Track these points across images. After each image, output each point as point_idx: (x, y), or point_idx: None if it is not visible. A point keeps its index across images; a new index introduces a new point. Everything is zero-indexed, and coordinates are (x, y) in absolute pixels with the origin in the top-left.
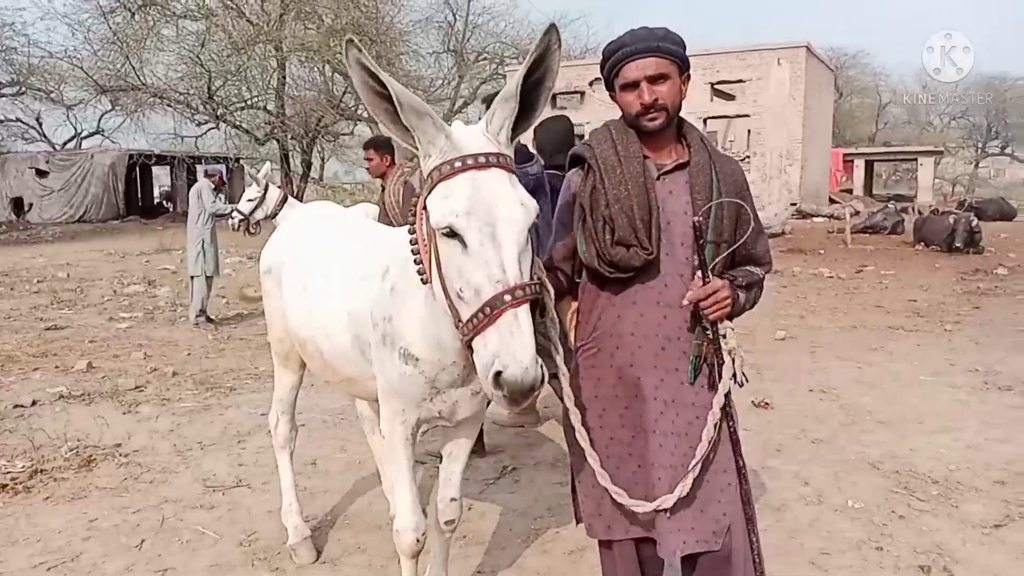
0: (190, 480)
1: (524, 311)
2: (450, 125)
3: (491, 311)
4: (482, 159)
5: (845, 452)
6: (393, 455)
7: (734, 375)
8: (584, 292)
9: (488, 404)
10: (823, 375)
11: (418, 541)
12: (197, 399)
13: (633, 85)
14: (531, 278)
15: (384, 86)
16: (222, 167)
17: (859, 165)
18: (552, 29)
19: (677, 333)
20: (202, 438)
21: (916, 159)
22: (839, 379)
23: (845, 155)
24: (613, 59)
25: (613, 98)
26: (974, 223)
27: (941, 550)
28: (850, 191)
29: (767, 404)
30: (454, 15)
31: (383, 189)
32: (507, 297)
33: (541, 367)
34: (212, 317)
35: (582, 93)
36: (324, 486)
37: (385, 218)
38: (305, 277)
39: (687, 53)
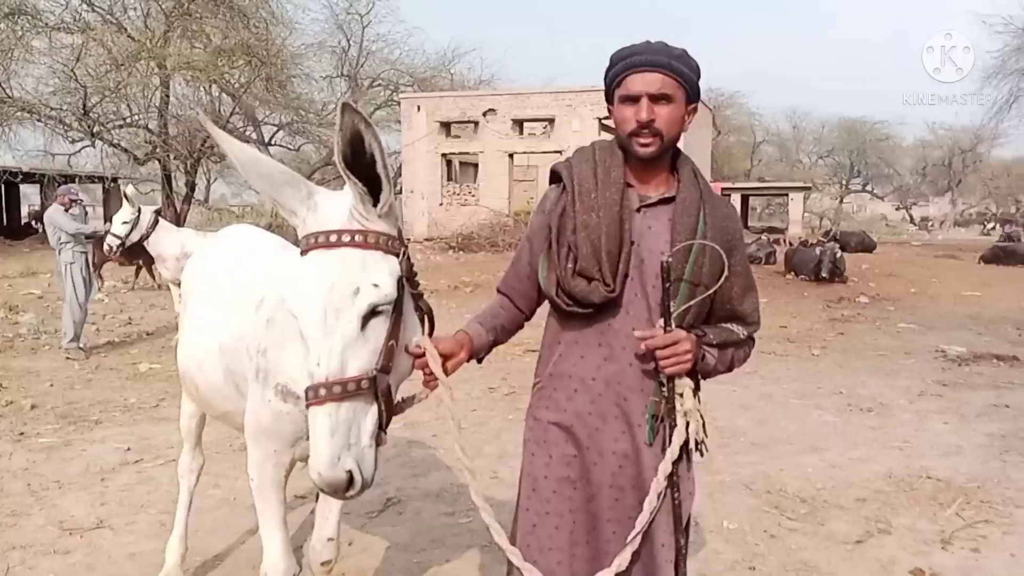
0: (43, 523)
1: (324, 412)
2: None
3: (305, 401)
4: (333, 237)
5: (721, 473)
6: (263, 498)
7: (686, 442)
8: (547, 326)
9: None
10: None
11: None
12: (58, 434)
13: (634, 100)
14: (370, 369)
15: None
16: (71, 186)
17: (736, 199)
18: (345, 108)
19: (641, 384)
20: (60, 476)
21: (787, 194)
22: (715, 401)
23: (723, 189)
24: (620, 66)
25: (610, 112)
26: (838, 255)
27: (809, 567)
28: None
29: None
30: (348, 41)
31: None
32: (310, 393)
33: (350, 472)
34: (83, 346)
35: (475, 123)
36: (195, 524)
37: None
38: (189, 307)
39: (700, 84)
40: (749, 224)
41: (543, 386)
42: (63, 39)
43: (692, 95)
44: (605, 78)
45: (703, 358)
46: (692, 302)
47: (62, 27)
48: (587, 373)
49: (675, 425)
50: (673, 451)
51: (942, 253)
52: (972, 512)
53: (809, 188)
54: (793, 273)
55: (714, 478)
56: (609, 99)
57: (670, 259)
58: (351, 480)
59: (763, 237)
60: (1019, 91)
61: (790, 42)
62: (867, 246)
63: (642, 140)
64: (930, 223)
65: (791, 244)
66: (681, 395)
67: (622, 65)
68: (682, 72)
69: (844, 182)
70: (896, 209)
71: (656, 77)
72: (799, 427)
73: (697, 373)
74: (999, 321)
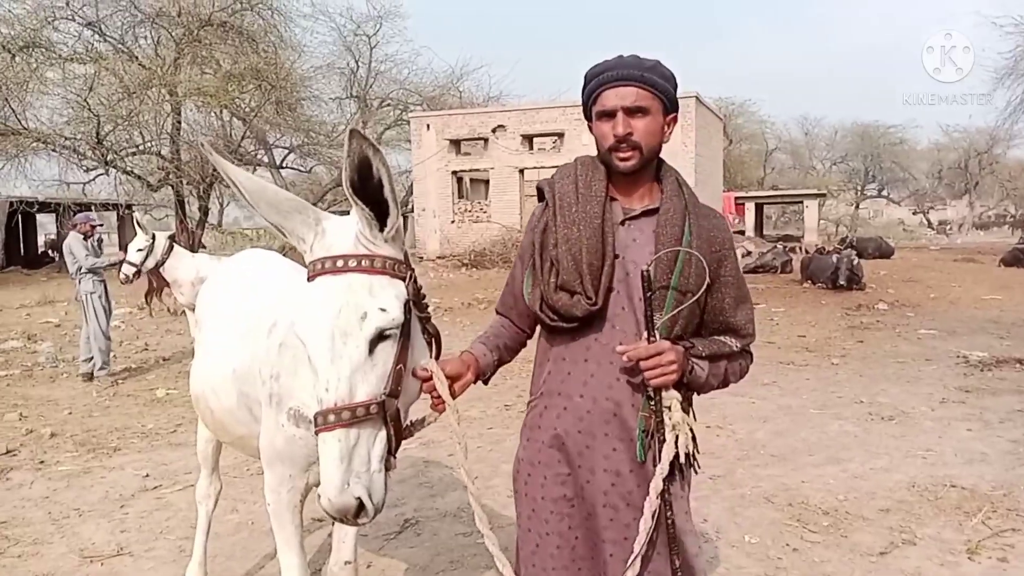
0: (65, 551)
1: (333, 437)
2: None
3: (314, 427)
4: (340, 263)
5: (741, 487)
6: (280, 522)
7: (676, 456)
8: (538, 344)
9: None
10: (719, 410)
11: None
12: (77, 462)
13: (610, 115)
14: (378, 394)
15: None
16: (89, 213)
17: (750, 208)
18: (353, 135)
19: (631, 399)
20: (80, 504)
21: (802, 201)
22: (734, 414)
23: (737, 199)
24: (594, 83)
25: (590, 129)
26: (855, 261)
27: None
28: (743, 232)
29: None
30: (356, 62)
31: None
32: (319, 419)
33: (359, 498)
34: (110, 372)
35: (485, 140)
36: (214, 549)
37: None
38: (203, 332)
39: (678, 94)
40: (764, 233)
41: (535, 405)
42: (76, 70)
43: (669, 105)
44: (582, 96)
45: (691, 370)
46: (675, 311)
47: (75, 58)
48: (574, 390)
49: (664, 440)
50: (663, 467)
51: (961, 257)
52: (998, 520)
53: (824, 195)
54: (810, 281)
55: (735, 491)
56: (588, 116)
57: (650, 268)
58: (361, 506)
59: (778, 246)
60: None
61: (800, 49)
62: (885, 252)
63: (621, 155)
64: (948, 227)
65: (807, 252)
66: (668, 408)
67: (596, 82)
68: (656, 83)
69: (859, 188)
70: (913, 213)
71: (630, 90)
72: (820, 438)
73: (687, 386)
74: (1021, 324)
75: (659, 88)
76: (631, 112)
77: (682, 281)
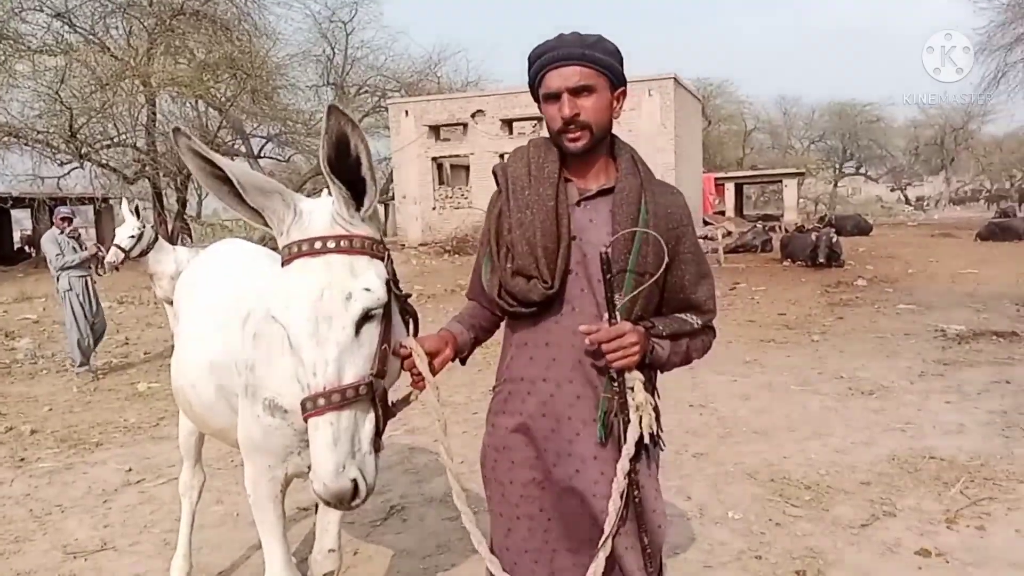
0: (48, 547)
1: (325, 421)
2: (314, 197)
3: (303, 412)
4: (318, 244)
5: (724, 464)
6: (261, 513)
7: (641, 436)
8: (504, 330)
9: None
10: (701, 389)
11: None
12: (58, 458)
13: (555, 97)
14: (365, 375)
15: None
16: (66, 208)
17: (730, 188)
18: (332, 111)
19: (596, 381)
20: (63, 500)
21: (781, 181)
22: (716, 392)
23: (716, 179)
24: (536, 65)
25: (540, 111)
26: (834, 239)
27: (815, 553)
28: (723, 213)
29: None
30: (332, 49)
31: None
32: (308, 404)
33: (355, 480)
34: (92, 368)
35: (465, 125)
36: (199, 541)
37: None
38: (181, 324)
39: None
40: (744, 212)
41: (499, 391)
42: (46, 61)
43: (616, 80)
44: (528, 79)
45: (652, 350)
46: (634, 293)
47: (45, 49)
48: (537, 374)
49: (628, 421)
50: (629, 448)
51: (938, 232)
52: (976, 490)
53: (803, 173)
54: (790, 260)
55: (718, 469)
56: (536, 99)
57: (609, 249)
58: (356, 489)
59: (758, 225)
60: (1006, 67)
61: (777, 27)
62: (863, 229)
63: (570, 136)
64: (925, 202)
65: (787, 231)
66: (632, 389)
67: (538, 64)
68: (598, 59)
69: (837, 166)
70: (891, 190)
71: (573, 70)
72: (801, 414)
73: (649, 366)
74: (997, 298)
75: (603, 64)
76: (576, 92)
77: (640, 262)
